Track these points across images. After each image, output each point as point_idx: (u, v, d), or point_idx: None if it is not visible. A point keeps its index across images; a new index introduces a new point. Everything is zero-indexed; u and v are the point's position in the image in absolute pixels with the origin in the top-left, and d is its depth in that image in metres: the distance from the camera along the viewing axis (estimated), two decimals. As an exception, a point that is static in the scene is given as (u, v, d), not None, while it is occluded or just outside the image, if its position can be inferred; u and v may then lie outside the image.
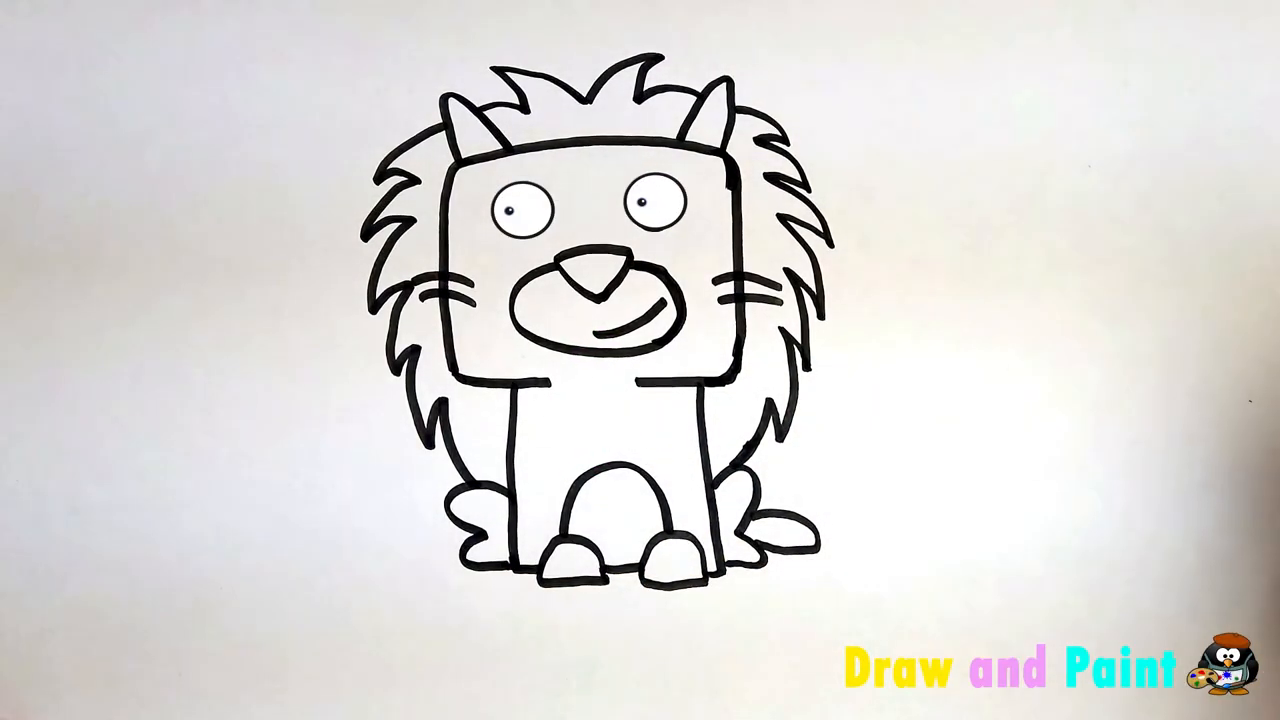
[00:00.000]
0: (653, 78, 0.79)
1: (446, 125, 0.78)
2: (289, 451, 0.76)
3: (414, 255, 0.78)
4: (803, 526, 0.79)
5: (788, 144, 0.78)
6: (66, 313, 0.77)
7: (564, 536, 0.78)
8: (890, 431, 0.78)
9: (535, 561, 0.77)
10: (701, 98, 0.79)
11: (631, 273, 0.77)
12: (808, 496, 0.79)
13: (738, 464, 0.78)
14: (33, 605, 0.76)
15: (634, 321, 0.77)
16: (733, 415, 0.78)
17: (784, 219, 0.78)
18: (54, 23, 0.79)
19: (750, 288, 0.78)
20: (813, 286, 0.78)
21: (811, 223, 0.78)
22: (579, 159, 0.78)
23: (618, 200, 0.77)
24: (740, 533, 0.79)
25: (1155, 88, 0.79)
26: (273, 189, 0.78)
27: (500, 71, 0.79)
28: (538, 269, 0.77)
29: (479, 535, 0.77)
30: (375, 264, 0.78)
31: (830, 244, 0.78)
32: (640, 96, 0.79)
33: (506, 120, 0.78)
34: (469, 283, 0.78)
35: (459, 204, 0.78)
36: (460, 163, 0.78)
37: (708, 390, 0.78)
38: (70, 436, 0.76)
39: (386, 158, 0.78)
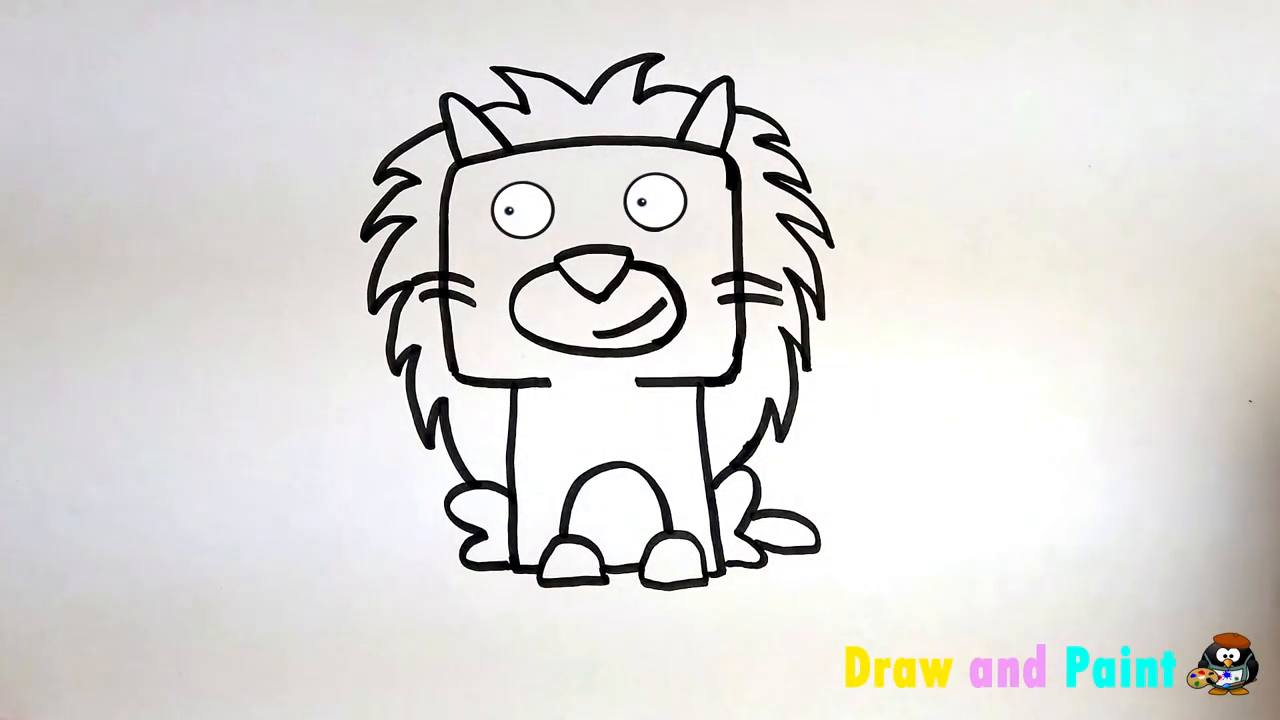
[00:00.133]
0: (653, 78, 0.79)
1: (446, 125, 0.78)
2: (289, 451, 0.76)
3: (414, 255, 0.78)
4: (803, 526, 0.79)
5: (788, 144, 0.78)
6: (66, 313, 0.77)
7: (564, 536, 0.78)
8: (890, 432, 0.78)
9: (535, 561, 0.77)
10: (701, 98, 0.79)
11: (631, 273, 0.76)
12: (808, 496, 0.79)
13: (738, 464, 0.78)
14: (33, 605, 0.76)
15: (634, 321, 0.77)
16: (733, 415, 0.78)
17: (784, 219, 0.78)
18: (54, 23, 0.79)
19: (750, 288, 0.78)
20: (813, 286, 0.78)
21: (811, 223, 0.78)
22: (579, 159, 0.78)
23: (618, 200, 0.77)
24: (740, 533, 0.79)
25: (1155, 88, 0.79)
26: (273, 189, 0.78)
27: (500, 71, 0.79)
28: (538, 269, 0.77)
29: (479, 535, 0.77)
30: (375, 264, 0.78)
31: (830, 244, 0.78)
32: (640, 96, 0.79)
33: (506, 120, 0.78)
34: (469, 283, 0.78)
35: (459, 204, 0.78)
36: (460, 163, 0.78)
37: (708, 390, 0.78)
38: (70, 436, 0.76)
39: (386, 158, 0.78)
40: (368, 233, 0.78)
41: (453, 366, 0.77)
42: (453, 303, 0.78)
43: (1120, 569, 0.78)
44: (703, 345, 0.77)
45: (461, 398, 0.77)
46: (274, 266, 0.77)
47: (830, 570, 0.79)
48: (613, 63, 0.79)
